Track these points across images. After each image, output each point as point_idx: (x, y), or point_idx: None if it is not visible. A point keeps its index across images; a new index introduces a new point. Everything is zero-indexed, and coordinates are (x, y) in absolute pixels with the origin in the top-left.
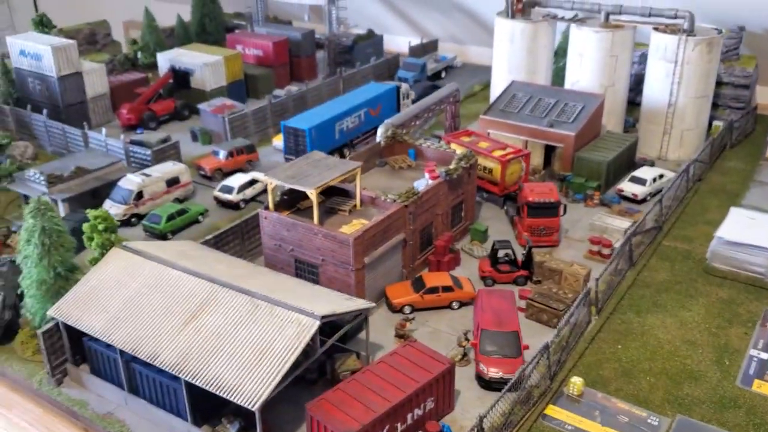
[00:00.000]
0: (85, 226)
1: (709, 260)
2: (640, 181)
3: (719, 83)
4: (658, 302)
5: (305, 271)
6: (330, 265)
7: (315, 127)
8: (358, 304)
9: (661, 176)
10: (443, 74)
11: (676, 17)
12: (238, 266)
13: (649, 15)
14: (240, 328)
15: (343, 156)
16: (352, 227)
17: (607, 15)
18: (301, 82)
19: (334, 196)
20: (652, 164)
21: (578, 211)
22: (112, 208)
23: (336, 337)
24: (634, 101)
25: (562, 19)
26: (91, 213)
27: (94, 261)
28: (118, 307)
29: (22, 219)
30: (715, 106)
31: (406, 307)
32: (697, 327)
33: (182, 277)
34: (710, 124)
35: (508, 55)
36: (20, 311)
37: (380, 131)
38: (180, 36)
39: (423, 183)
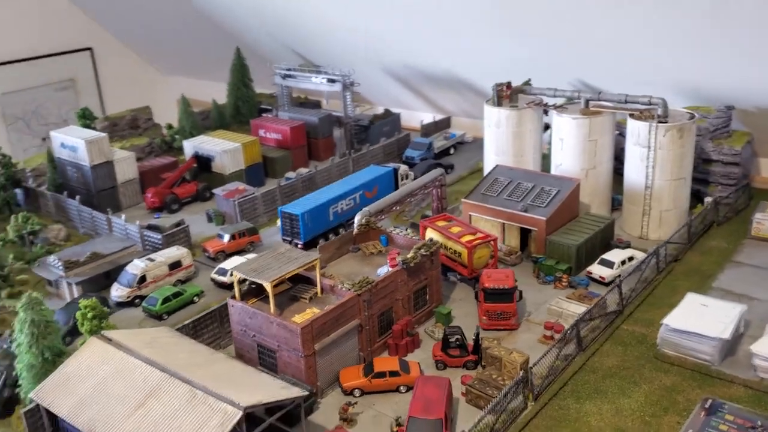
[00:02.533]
0: (78, 314)
1: (660, 346)
2: (608, 264)
3: (709, 161)
4: (600, 388)
5: (266, 355)
6: (284, 351)
7: (308, 211)
8: (292, 392)
9: (631, 258)
10: (452, 150)
11: (650, 104)
12: (199, 355)
13: (626, 102)
14: (177, 416)
15: (337, 235)
16: (304, 316)
17: (587, 102)
18: (320, 161)
19: (300, 283)
20: (627, 246)
21: (546, 293)
22: (118, 290)
23: (270, 420)
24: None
25: (546, 105)
26: (82, 303)
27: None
28: (85, 392)
29: (45, 299)
30: (706, 182)
31: (356, 390)
32: (631, 415)
33: (140, 366)
34: (702, 200)
35: (496, 139)
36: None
37: (357, 219)
38: (215, 119)
39: (384, 270)
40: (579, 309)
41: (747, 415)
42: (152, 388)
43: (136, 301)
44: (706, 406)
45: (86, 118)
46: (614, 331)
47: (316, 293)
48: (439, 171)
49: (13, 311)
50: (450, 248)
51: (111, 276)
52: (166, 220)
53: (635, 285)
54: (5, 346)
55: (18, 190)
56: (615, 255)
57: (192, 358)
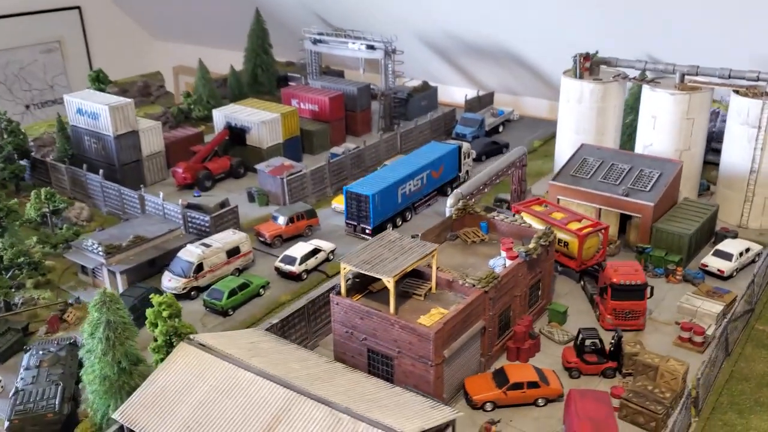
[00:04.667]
0: (149, 312)
1: None
2: (726, 256)
3: None
4: (761, 399)
5: (379, 362)
6: (407, 358)
7: (378, 192)
8: (445, 414)
9: (747, 249)
10: (501, 128)
11: (758, 80)
12: (312, 364)
13: (729, 77)
14: None
15: (405, 219)
16: (431, 318)
17: (683, 76)
18: (357, 136)
19: (407, 278)
20: (735, 236)
21: (660, 288)
22: (171, 281)
23: None
24: (704, 160)
25: (634, 79)
26: (155, 299)
27: (158, 349)
28: (187, 414)
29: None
30: None
31: (488, 403)
32: None
33: (255, 381)
34: None
35: (576, 116)
36: (79, 401)
37: (450, 203)
38: (233, 87)
39: (500, 262)
40: (716, 307)
41: None
42: (278, 409)
43: (192, 293)
44: None
45: (100, 82)
46: (750, 332)
47: (431, 289)
48: (521, 150)
49: (47, 304)
50: None
51: (156, 263)
52: (207, 199)
53: (761, 281)
54: (53, 350)
55: (23, 162)
56: (731, 246)
57: (307, 368)
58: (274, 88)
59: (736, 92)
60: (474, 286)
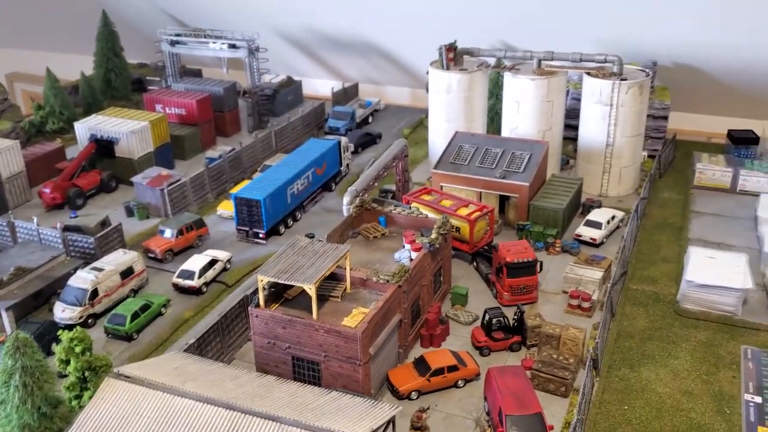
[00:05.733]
0: (58, 349)
1: (680, 302)
2: (596, 225)
3: None
4: (646, 352)
5: (304, 368)
6: (334, 360)
7: (269, 195)
8: (387, 412)
9: (613, 217)
10: (370, 119)
11: (605, 62)
12: (245, 381)
13: (580, 60)
14: None
15: (295, 219)
16: (354, 318)
17: (539, 62)
18: (227, 137)
19: (322, 281)
20: (599, 205)
21: (543, 260)
22: (65, 311)
23: None
24: None
25: (496, 67)
26: (65, 334)
27: (72, 387)
28: None
29: None
30: None
31: (413, 392)
32: (689, 376)
33: (196, 407)
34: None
35: (446, 105)
36: None
37: (346, 200)
38: (86, 94)
39: (405, 254)
40: (597, 274)
41: None
42: None
43: (90, 321)
44: (749, 356)
45: None
46: (626, 292)
47: (346, 289)
48: (402, 142)
49: None
50: None
51: (43, 294)
52: (85, 218)
53: (627, 243)
54: None
55: None
56: (599, 215)
57: (242, 386)
58: (129, 92)
59: (588, 74)
60: (388, 281)
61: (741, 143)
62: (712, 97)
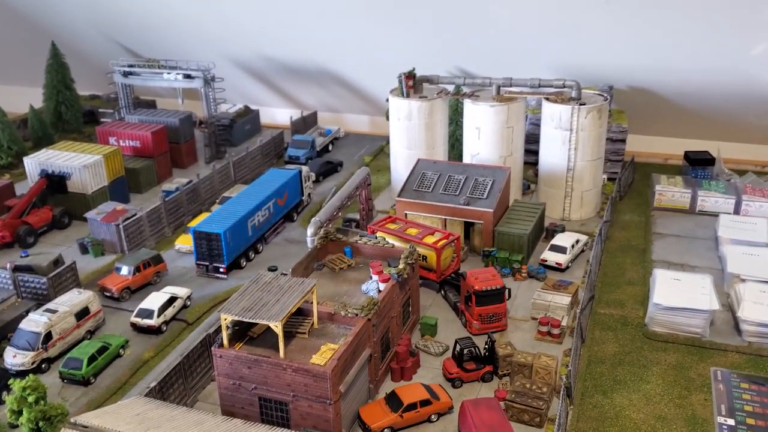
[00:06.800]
0: (9, 400)
1: (648, 325)
2: (561, 249)
3: None
4: (618, 378)
5: (272, 409)
6: (302, 400)
7: (229, 228)
8: None
9: (577, 241)
10: (330, 147)
11: (564, 87)
12: (211, 426)
13: (539, 86)
14: None
15: (257, 251)
16: (323, 355)
17: (498, 88)
18: (183, 168)
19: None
20: (563, 229)
21: (510, 287)
22: (17, 356)
23: None
24: None
25: (457, 94)
26: (16, 384)
27: None
28: None
29: None
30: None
31: (386, 429)
32: (661, 400)
33: None
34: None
35: (407, 133)
36: None
37: (310, 232)
38: (35, 128)
39: (373, 286)
40: (564, 299)
41: (756, 380)
42: None
43: (43, 366)
44: (719, 378)
45: None
46: (595, 317)
47: (313, 324)
48: (365, 170)
49: None
50: None
51: None
52: (37, 257)
53: (593, 267)
54: None
55: None
56: (563, 239)
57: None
58: (81, 125)
59: (547, 99)
60: (357, 315)
61: (697, 164)
62: (668, 119)
